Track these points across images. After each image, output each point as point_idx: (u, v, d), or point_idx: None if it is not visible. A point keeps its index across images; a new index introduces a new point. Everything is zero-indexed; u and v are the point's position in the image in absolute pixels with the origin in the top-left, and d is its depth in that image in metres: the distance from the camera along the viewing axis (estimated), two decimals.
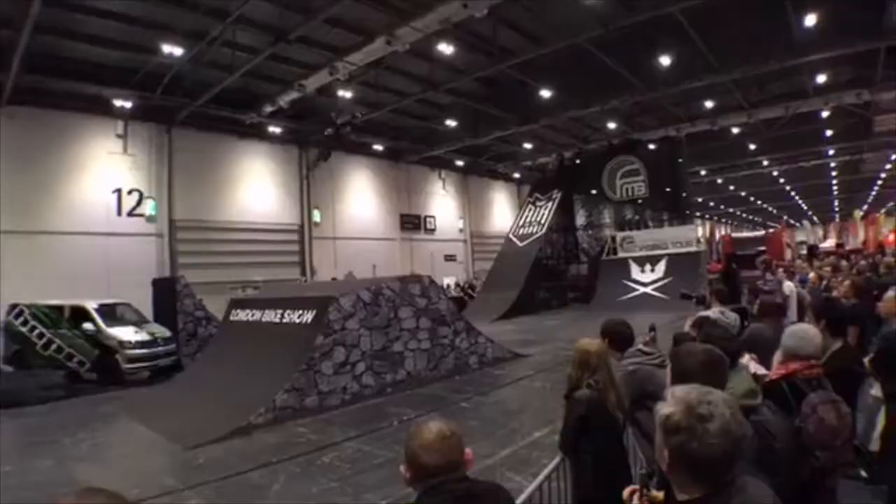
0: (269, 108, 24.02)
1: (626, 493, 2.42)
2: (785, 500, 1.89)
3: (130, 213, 23.05)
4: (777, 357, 3.77)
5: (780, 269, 13.35)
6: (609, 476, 2.55)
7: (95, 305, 16.53)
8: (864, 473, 4.97)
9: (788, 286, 10.83)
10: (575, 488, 4.10)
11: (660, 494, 2.26)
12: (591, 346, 4.20)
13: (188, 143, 24.65)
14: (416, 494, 2.17)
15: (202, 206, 25.35)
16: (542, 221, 32.92)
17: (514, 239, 33.33)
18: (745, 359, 3.82)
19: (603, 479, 2.66)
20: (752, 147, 36.89)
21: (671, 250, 28.98)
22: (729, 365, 2.95)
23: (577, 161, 36.10)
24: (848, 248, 36.98)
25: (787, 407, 3.18)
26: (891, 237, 32.45)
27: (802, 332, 3.55)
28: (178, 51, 18.65)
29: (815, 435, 3.03)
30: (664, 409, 1.87)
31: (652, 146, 33.62)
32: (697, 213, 52.14)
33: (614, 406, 3.96)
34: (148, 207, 23.48)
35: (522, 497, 3.52)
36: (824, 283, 12.04)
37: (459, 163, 38.38)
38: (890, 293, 5.32)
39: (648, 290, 27.54)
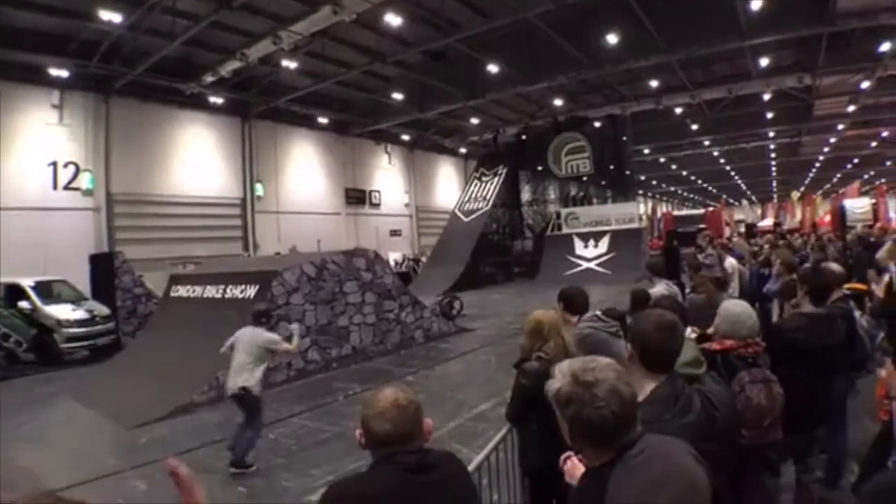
0: (210, 78, 23.34)
1: (562, 458, 2.44)
2: (728, 473, 1.92)
3: (67, 187, 22.22)
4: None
5: (719, 245, 13.67)
6: (555, 447, 2.55)
7: (31, 283, 16.01)
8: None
9: (731, 262, 11.11)
10: (521, 458, 4.14)
11: None
12: (544, 315, 4.20)
13: (127, 113, 23.80)
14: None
15: (141, 180, 24.60)
16: (488, 197, 33.09)
17: (460, 214, 33.43)
18: (688, 331, 3.87)
19: (549, 450, 2.67)
20: (695, 127, 37.63)
21: (614, 226, 29.47)
22: None
23: (524, 137, 36.23)
24: (785, 227, 38.07)
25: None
26: (826, 218, 33.44)
27: (734, 317, 3.57)
28: (116, 17, 17.97)
29: (743, 413, 3.08)
30: (553, 384, 1.91)
31: (597, 124, 33.95)
32: (641, 191, 53.09)
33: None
34: (85, 181, 22.67)
35: (471, 466, 3.53)
36: (760, 258, 12.36)
37: (405, 137, 38.21)
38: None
39: (592, 265, 27.96)
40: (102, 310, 16.31)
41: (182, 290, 14.02)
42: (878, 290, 7.02)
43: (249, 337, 7.66)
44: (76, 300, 16.44)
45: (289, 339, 8.16)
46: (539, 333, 4.09)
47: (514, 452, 4.31)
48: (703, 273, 9.25)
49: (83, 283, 17.93)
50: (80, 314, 15.63)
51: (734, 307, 3.70)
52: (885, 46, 22.29)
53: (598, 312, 4.57)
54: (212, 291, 12.89)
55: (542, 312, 4.23)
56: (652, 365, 2.51)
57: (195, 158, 27.02)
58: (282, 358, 9.92)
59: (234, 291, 12.32)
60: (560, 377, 1.90)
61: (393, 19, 20.24)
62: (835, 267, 5.54)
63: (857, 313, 5.46)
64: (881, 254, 8.17)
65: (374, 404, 2.13)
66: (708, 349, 3.45)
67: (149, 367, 11.77)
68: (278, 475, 6.93)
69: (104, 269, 17.92)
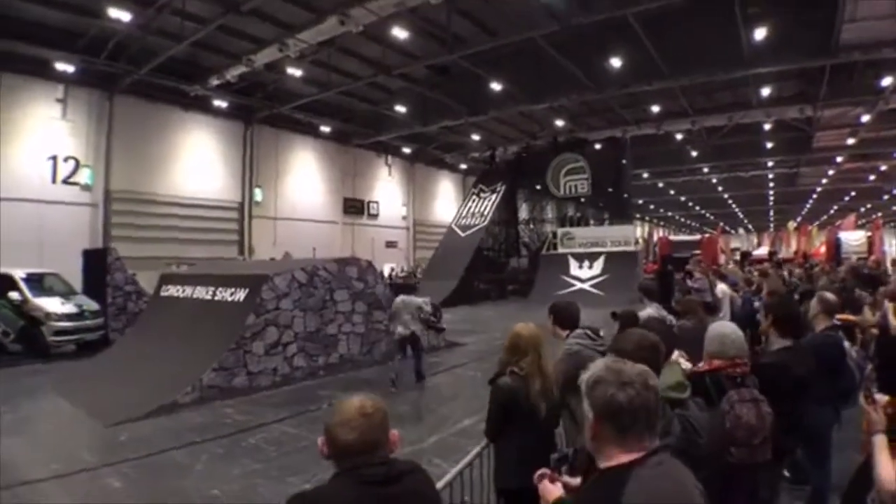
0: (215, 81, 23.48)
1: (536, 476, 2.43)
2: (710, 496, 1.93)
3: (66, 181, 22.30)
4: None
5: (713, 272, 13.69)
6: (529, 465, 2.55)
7: (23, 274, 15.95)
8: (787, 473, 5.14)
9: (722, 288, 11.11)
10: (496, 475, 4.08)
11: (573, 481, 2.28)
12: (523, 329, 4.13)
13: (130, 111, 23.92)
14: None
15: (140, 178, 24.66)
16: (486, 213, 33.18)
17: (457, 229, 33.47)
18: (675, 355, 3.87)
19: (526, 470, 2.65)
20: (694, 154, 37.84)
21: (609, 248, 29.47)
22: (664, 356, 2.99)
23: (524, 155, 36.33)
24: (780, 256, 38.13)
25: (710, 401, 3.25)
26: (822, 249, 33.57)
27: (722, 337, 3.58)
28: (125, 16, 18.09)
29: (732, 432, 3.09)
30: (585, 375, 1.95)
31: (597, 146, 34.14)
32: (638, 215, 53.19)
33: (538, 394, 3.87)
34: (84, 176, 22.76)
35: (441, 483, 3.50)
36: (753, 286, 12.39)
37: (406, 150, 38.33)
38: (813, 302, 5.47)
39: (586, 286, 27.96)
40: (92, 305, 16.22)
41: (172, 290, 13.96)
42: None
43: (406, 302, 11.94)
44: (66, 294, 16.35)
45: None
46: (517, 348, 4.03)
47: (490, 469, 4.26)
48: (692, 297, 9.24)
49: (76, 278, 17.87)
50: (69, 308, 15.53)
51: (722, 328, 3.73)
52: (887, 80, 22.45)
53: (588, 330, 4.55)
54: (202, 293, 12.84)
55: (523, 326, 4.19)
56: None
57: (196, 160, 27.08)
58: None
59: (224, 294, 12.27)
60: (592, 367, 1.97)
61: (399, 33, 20.41)
62: (828, 295, 5.53)
63: (846, 344, 5.46)
64: None
65: (340, 412, 2.09)
66: (697, 371, 3.46)
67: (134, 365, 11.71)
68: (254, 481, 6.88)
69: (97, 264, 17.83)
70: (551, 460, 3.04)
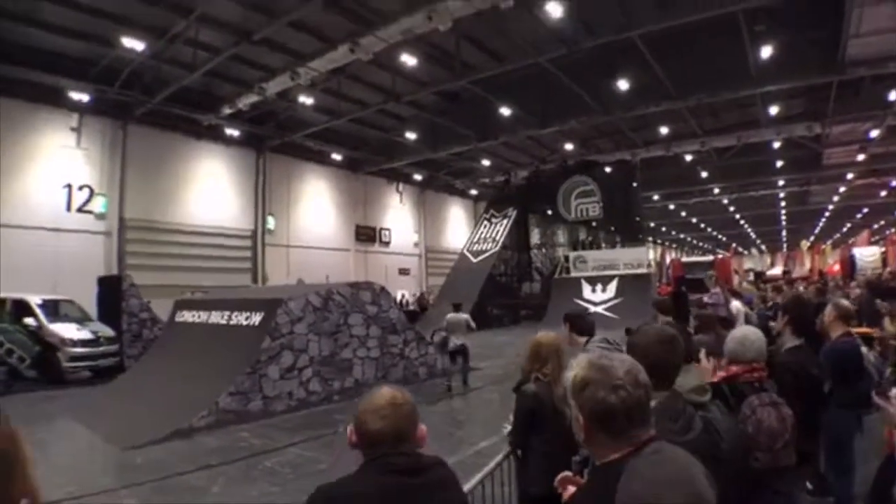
0: (227, 110, 23.79)
1: (557, 479, 2.42)
2: (729, 502, 1.91)
3: (80, 209, 22.45)
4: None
5: (728, 289, 13.67)
6: (554, 471, 2.55)
7: (39, 301, 16.11)
8: (809, 486, 5.09)
9: (736, 305, 11.10)
10: (521, 481, 4.11)
11: None
12: (544, 338, 4.21)
13: (143, 140, 24.17)
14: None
15: (154, 207, 24.84)
16: (497, 238, 33.21)
17: (469, 254, 33.49)
18: (702, 352, 3.90)
19: (552, 477, 2.65)
20: (704, 175, 37.79)
21: (622, 271, 29.34)
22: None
23: (534, 180, 36.36)
24: (794, 275, 37.94)
25: (728, 409, 3.23)
26: (836, 267, 33.40)
27: (742, 337, 3.62)
28: (139, 45, 18.40)
29: (755, 436, 3.09)
30: (569, 375, 1.91)
31: (607, 169, 34.12)
32: (650, 238, 53.05)
33: (561, 399, 3.85)
34: (98, 204, 22.91)
35: (467, 487, 3.50)
36: (769, 303, 12.35)
37: (417, 177, 38.49)
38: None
39: (599, 309, 27.77)
40: (107, 331, 16.35)
41: (187, 316, 14.03)
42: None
43: (456, 317, 14.00)
44: (82, 320, 16.51)
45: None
46: (538, 356, 4.11)
47: (511, 480, 4.28)
48: (709, 312, 9.21)
49: (90, 305, 18.02)
50: (84, 334, 15.66)
51: (745, 330, 3.78)
52: (895, 95, 22.40)
53: (608, 336, 4.60)
54: (217, 318, 12.89)
55: (544, 335, 4.25)
56: (651, 378, 2.51)
57: (209, 189, 27.27)
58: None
59: (239, 318, 12.31)
60: (576, 366, 1.91)
61: (408, 59, 20.59)
62: (843, 302, 5.53)
63: (864, 349, 5.44)
64: None
65: (371, 401, 2.11)
66: (714, 381, 3.47)
67: (150, 390, 11.76)
68: (271, 502, 6.89)
69: (111, 291, 17.98)
70: (573, 463, 3.05)
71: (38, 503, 0.85)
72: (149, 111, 22.91)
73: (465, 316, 14.32)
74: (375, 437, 2.06)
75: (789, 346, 4.57)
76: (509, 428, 4.34)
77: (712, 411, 2.76)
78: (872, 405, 4.70)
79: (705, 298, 11.58)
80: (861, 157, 31.66)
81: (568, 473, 2.45)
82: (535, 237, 37.40)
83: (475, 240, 34.53)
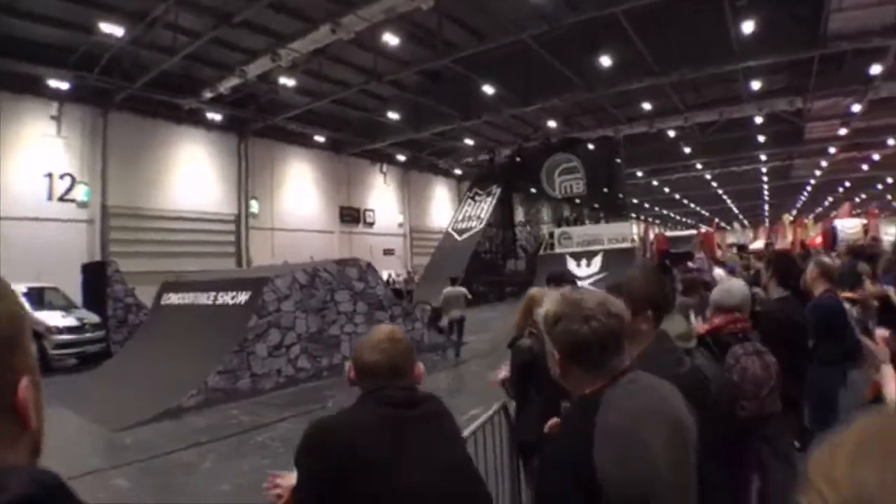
0: (209, 94, 23.59)
1: (548, 425, 2.46)
2: (717, 448, 1.93)
3: (62, 198, 22.29)
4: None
5: (711, 259, 13.78)
6: (548, 419, 2.60)
7: (23, 289, 15.90)
8: (796, 443, 5.16)
9: (718, 272, 11.21)
10: (517, 430, 4.24)
11: None
12: (537, 293, 4.30)
13: (124, 127, 23.96)
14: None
15: (136, 193, 24.67)
16: (482, 216, 33.25)
17: (453, 233, 33.53)
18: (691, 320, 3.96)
19: (542, 423, 2.70)
20: (687, 150, 37.92)
21: (606, 246, 29.41)
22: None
23: (518, 158, 36.38)
24: (777, 248, 38.13)
25: (714, 359, 3.28)
26: (818, 239, 33.59)
27: (727, 286, 3.69)
28: (117, 31, 18.25)
29: (740, 384, 3.14)
30: (541, 312, 1.93)
31: (591, 146, 34.24)
32: (633, 214, 53.27)
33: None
34: (80, 193, 22.76)
35: (465, 433, 3.57)
36: (752, 271, 12.45)
37: (401, 157, 38.39)
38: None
39: (585, 283, 27.74)
40: (93, 318, 16.25)
41: (173, 298, 13.97)
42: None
43: (454, 290, 14.95)
44: (67, 308, 16.39)
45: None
46: (531, 311, 4.13)
47: (503, 432, 4.39)
48: (693, 275, 9.32)
49: (75, 293, 17.91)
50: (70, 321, 15.55)
51: (729, 281, 3.85)
52: (876, 69, 22.49)
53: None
54: (203, 298, 12.87)
55: (536, 290, 4.35)
56: (641, 310, 2.52)
57: (191, 174, 27.12)
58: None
59: (226, 298, 12.29)
60: (548, 302, 1.93)
61: (390, 39, 20.55)
62: (825, 259, 5.61)
63: (847, 305, 5.52)
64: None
65: (370, 336, 2.16)
66: (699, 333, 3.51)
67: (137, 373, 11.71)
68: (263, 475, 6.90)
69: (96, 278, 17.88)
70: (562, 409, 3.10)
71: (37, 380, 0.86)
72: (129, 97, 22.70)
73: (462, 289, 15.38)
74: (372, 370, 2.09)
75: (775, 297, 4.65)
76: (503, 375, 4.41)
77: (698, 357, 2.80)
78: (857, 360, 4.78)
79: (690, 263, 11.67)
80: (843, 132, 31.87)
81: (558, 419, 2.49)
82: (519, 215, 37.58)
83: (459, 218, 34.56)
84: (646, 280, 2.65)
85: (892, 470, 0.45)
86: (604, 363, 1.81)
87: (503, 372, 4.46)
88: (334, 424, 2.08)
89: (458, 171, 44.18)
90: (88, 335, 15.79)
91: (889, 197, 53.25)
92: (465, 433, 3.89)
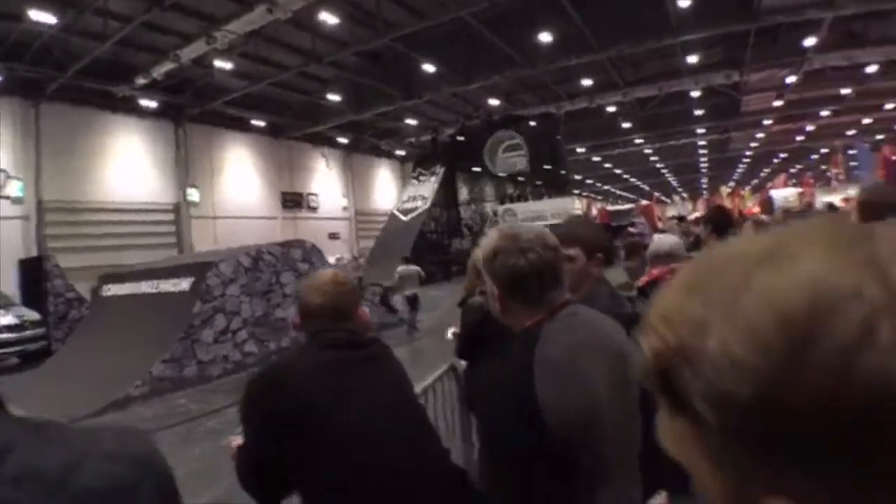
0: (142, 81, 22.89)
1: None
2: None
3: None
4: None
5: (652, 228, 14.09)
6: None
7: None
8: None
9: (658, 237, 11.46)
10: (464, 390, 4.29)
11: None
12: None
13: (57, 118, 23.17)
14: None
15: (72, 186, 23.94)
16: (426, 196, 33.23)
17: (398, 213, 33.45)
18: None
19: None
20: (627, 125, 38.39)
21: (550, 221, 29.64)
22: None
23: (461, 137, 36.40)
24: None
25: None
26: (755, 209, 34.56)
27: (658, 237, 3.80)
28: (47, 18, 17.55)
29: None
30: (479, 251, 1.99)
31: (532, 123, 34.47)
32: (575, 190, 53.87)
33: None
34: (14, 189, 21.97)
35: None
36: (691, 237, 12.74)
37: (342, 140, 38.03)
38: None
39: None
40: (32, 315, 15.79)
41: (114, 289, 13.65)
42: None
43: (408, 269, 15.78)
44: (5, 306, 15.90)
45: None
46: (479, 271, 4.12)
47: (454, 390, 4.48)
48: (635, 239, 9.49)
49: (13, 291, 17.42)
50: (8, 320, 15.08)
51: (665, 235, 3.93)
52: (810, 41, 23.00)
53: None
54: (145, 287, 12.60)
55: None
56: (593, 253, 2.57)
57: (127, 164, 26.39)
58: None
59: (168, 285, 12.07)
60: (485, 239, 1.95)
61: (328, 18, 20.26)
62: (763, 217, 5.83)
63: None
64: None
65: (312, 279, 2.15)
66: (638, 286, 3.60)
67: (81, 367, 11.45)
68: (216, 460, 6.80)
69: (34, 274, 17.43)
70: None
71: None
72: (61, 87, 21.99)
73: (416, 268, 16.46)
74: (315, 312, 2.10)
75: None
76: (453, 331, 4.45)
77: (639, 305, 2.86)
78: None
79: (631, 229, 11.90)
80: (778, 104, 32.57)
81: None
82: (463, 194, 37.60)
83: (404, 199, 34.50)
84: (594, 227, 2.73)
85: (717, 292, 0.46)
86: (542, 296, 1.83)
87: (454, 328, 4.49)
88: (278, 371, 2.10)
89: (400, 153, 43.93)
90: (29, 333, 15.33)
91: (823, 167, 54.82)
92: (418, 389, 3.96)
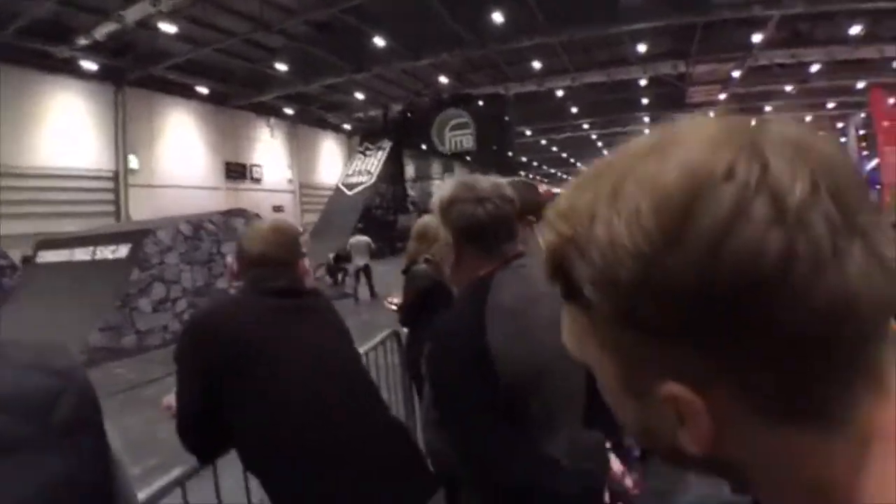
0: (83, 41, 22.05)
1: None
2: None
3: None
4: None
5: None
6: None
7: None
8: None
9: None
10: (410, 359, 4.17)
11: None
12: (431, 219, 4.21)
13: None
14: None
15: (4, 150, 22.78)
16: (372, 171, 33.15)
17: (343, 188, 33.27)
18: None
19: None
20: (575, 110, 38.83)
21: None
22: None
23: (409, 114, 36.29)
24: None
25: None
26: None
27: None
28: None
29: None
30: (436, 199, 1.94)
31: (481, 102, 34.47)
32: (522, 172, 54.16)
33: (450, 278, 3.94)
34: None
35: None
36: None
37: (289, 111, 37.30)
38: None
39: None
40: None
41: (49, 256, 13.26)
42: None
43: (358, 240, 16.62)
44: None
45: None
46: (425, 236, 4.05)
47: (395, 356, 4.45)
48: None
49: None
50: None
51: None
52: (757, 37, 23.52)
53: None
54: (81, 254, 12.27)
55: (430, 217, 4.28)
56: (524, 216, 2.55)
57: (64, 129, 25.28)
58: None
59: (105, 252, 11.77)
60: (442, 188, 1.95)
61: None
62: None
63: None
64: None
65: (253, 227, 2.11)
66: None
67: (14, 335, 11.06)
68: (155, 426, 6.63)
69: None
70: None
71: None
72: None
73: (366, 238, 17.26)
74: (256, 260, 2.07)
75: None
76: (391, 300, 4.44)
77: None
78: None
79: None
80: (722, 97, 33.29)
81: None
82: (409, 171, 37.68)
83: (350, 173, 34.33)
84: (532, 190, 2.71)
85: (606, 184, 0.49)
86: (497, 246, 1.85)
87: (396, 298, 4.47)
88: (214, 316, 2.06)
89: (347, 127, 43.38)
90: None
91: None
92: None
